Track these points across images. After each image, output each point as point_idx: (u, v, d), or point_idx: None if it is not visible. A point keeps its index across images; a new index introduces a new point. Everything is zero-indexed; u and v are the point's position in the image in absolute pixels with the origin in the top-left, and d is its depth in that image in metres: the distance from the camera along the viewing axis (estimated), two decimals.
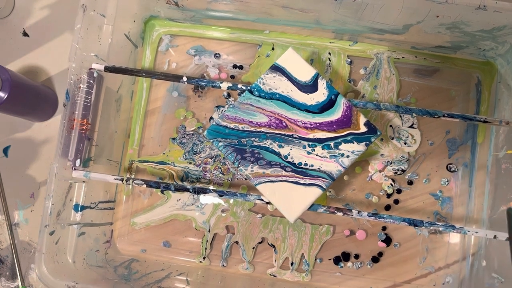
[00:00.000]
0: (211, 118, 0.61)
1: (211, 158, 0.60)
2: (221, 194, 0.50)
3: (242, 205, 0.59)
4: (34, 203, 0.61)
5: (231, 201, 0.59)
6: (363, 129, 0.52)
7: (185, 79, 0.52)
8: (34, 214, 0.61)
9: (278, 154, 0.52)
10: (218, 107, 0.61)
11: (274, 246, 0.59)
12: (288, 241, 0.58)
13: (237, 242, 0.59)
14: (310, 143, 0.52)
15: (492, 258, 0.54)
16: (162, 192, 0.60)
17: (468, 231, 0.48)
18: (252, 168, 0.51)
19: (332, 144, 0.51)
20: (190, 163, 0.60)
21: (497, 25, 0.49)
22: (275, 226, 0.59)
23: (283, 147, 0.52)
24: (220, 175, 0.60)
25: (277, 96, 0.52)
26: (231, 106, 0.53)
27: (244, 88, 0.52)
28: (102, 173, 0.52)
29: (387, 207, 0.59)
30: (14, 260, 0.60)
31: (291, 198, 0.50)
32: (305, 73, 0.53)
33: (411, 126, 0.59)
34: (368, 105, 0.52)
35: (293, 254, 0.58)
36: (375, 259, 0.58)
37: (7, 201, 0.61)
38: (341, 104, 0.52)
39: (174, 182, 0.60)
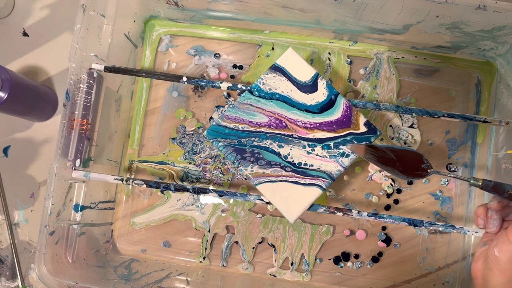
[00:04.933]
0: (211, 118, 0.61)
1: (211, 158, 0.60)
2: (221, 194, 0.50)
3: (242, 205, 0.59)
4: (34, 203, 0.61)
5: (231, 201, 0.59)
6: (363, 129, 0.52)
7: (185, 79, 0.52)
8: (34, 214, 0.61)
9: (278, 154, 0.51)
10: (218, 107, 0.61)
11: (274, 246, 0.59)
12: (288, 241, 0.58)
13: (237, 242, 0.59)
14: (310, 143, 0.52)
15: None
16: (162, 192, 0.60)
17: (468, 231, 0.48)
18: (252, 168, 0.51)
19: (332, 144, 0.51)
20: (190, 163, 0.60)
21: (497, 25, 0.49)
22: (275, 226, 0.59)
23: (283, 147, 0.52)
24: (220, 175, 0.60)
25: (277, 96, 0.52)
26: (231, 106, 0.53)
27: (244, 88, 0.52)
28: (102, 173, 0.52)
29: (387, 207, 0.59)
30: (14, 260, 0.60)
31: (291, 198, 0.50)
32: (305, 73, 0.53)
33: (411, 126, 0.59)
34: (368, 105, 0.52)
35: (293, 254, 0.58)
36: (375, 259, 0.58)
37: (7, 201, 0.61)
38: (341, 104, 0.52)
39: (174, 182, 0.60)
